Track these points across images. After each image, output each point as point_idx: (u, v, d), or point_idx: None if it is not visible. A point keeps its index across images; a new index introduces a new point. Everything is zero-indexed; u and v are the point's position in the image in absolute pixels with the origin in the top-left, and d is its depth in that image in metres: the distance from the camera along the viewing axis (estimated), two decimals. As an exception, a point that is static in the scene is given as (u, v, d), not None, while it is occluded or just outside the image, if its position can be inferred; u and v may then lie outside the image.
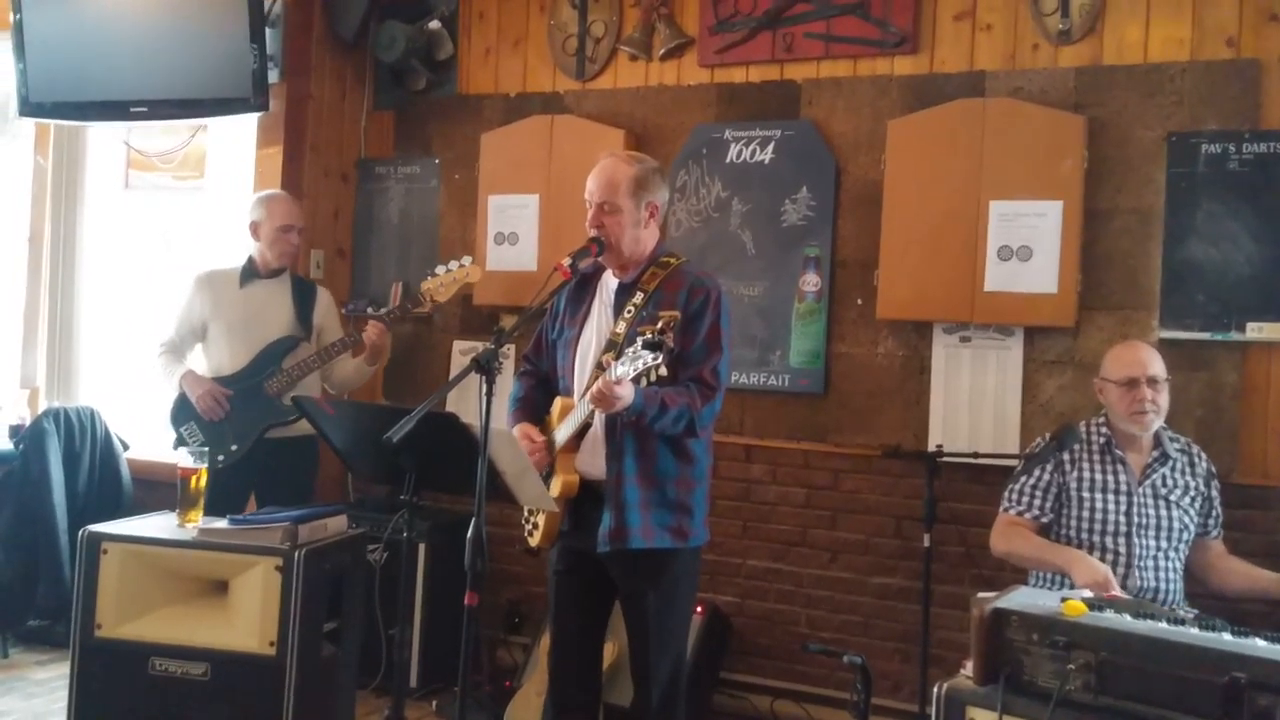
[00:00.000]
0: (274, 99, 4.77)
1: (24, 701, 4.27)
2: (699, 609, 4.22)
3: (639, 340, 2.62)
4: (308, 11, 5.02)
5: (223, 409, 4.23)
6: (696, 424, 2.91)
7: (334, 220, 5.21)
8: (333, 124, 5.17)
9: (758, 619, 4.46)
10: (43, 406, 5.33)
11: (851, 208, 4.33)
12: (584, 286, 3.15)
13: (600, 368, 2.87)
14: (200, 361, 4.43)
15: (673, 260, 3.08)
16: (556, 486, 2.98)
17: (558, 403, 3.07)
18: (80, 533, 3.31)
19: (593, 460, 2.99)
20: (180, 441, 4.28)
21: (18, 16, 4.89)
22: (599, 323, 3.07)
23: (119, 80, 4.82)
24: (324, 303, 4.50)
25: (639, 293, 3.00)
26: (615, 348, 2.89)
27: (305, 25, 5.01)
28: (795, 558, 4.41)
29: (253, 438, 4.22)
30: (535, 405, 3.20)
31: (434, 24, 5.07)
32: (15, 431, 5.10)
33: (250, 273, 4.39)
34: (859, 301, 4.30)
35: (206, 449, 3.67)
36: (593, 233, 3.00)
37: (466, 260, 4.35)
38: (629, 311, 2.97)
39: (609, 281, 3.11)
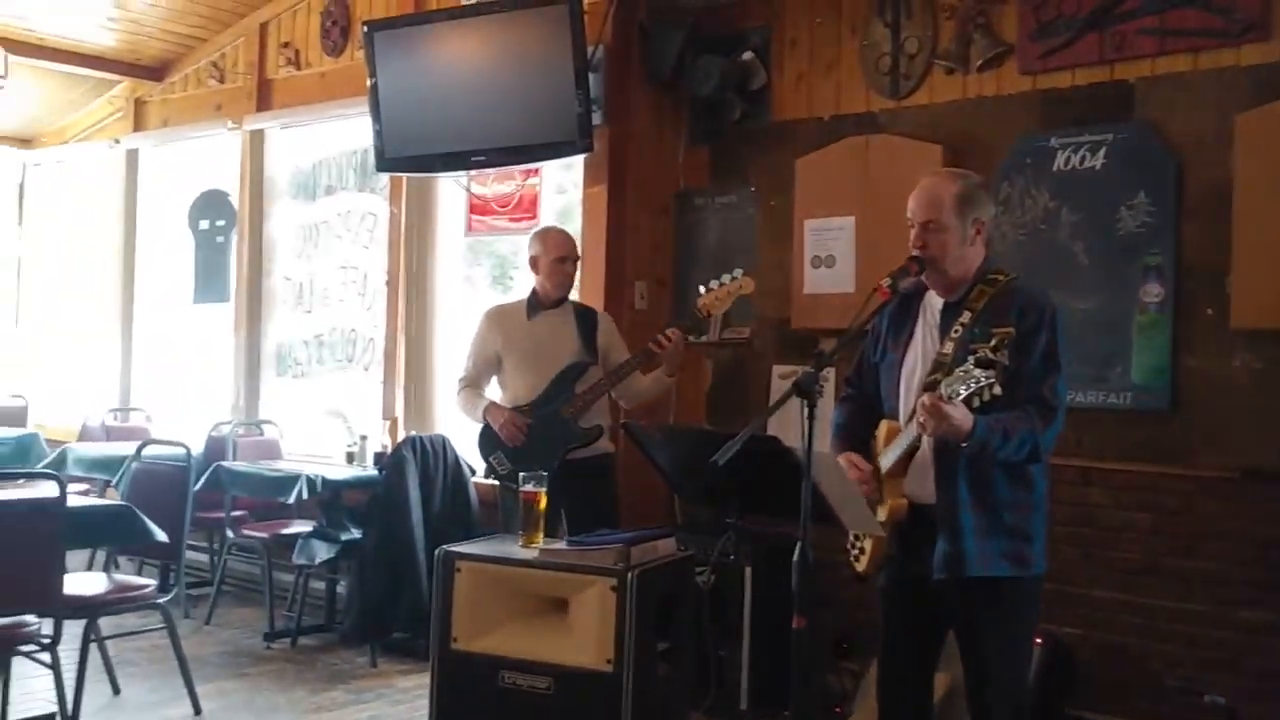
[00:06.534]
0: (598, 140, 5.01)
1: (390, 708, 4.65)
2: (1038, 640, 4.02)
3: (970, 359, 2.54)
4: (626, 54, 5.24)
5: (524, 434, 4.42)
6: (1040, 449, 2.80)
7: (654, 252, 5.38)
8: (652, 160, 5.35)
9: (1104, 652, 4.19)
10: (401, 435, 5.81)
11: (1197, 211, 4.02)
12: (906, 307, 3.08)
13: (927, 389, 2.80)
14: (498, 393, 4.66)
15: (1001, 277, 2.96)
16: (884, 511, 2.93)
17: (883, 426, 3.02)
18: (436, 552, 3.57)
19: (921, 484, 2.91)
20: (490, 470, 4.54)
21: (373, 81, 5.41)
22: (924, 344, 2.99)
23: (460, 132, 5.24)
24: (605, 326, 4.65)
25: (966, 311, 2.90)
26: (943, 368, 2.81)
27: (624, 68, 5.23)
28: (1144, 587, 4.11)
29: (556, 460, 4.35)
30: (858, 431, 3.16)
31: (747, 55, 5.15)
32: (379, 459, 5.61)
33: (535, 305, 4.59)
34: (1209, 311, 3.98)
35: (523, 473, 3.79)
36: (915, 251, 2.94)
37: (738, 272, 4.35)
38: (956, 331, 2.88)
39: (933, 301, 3.02)
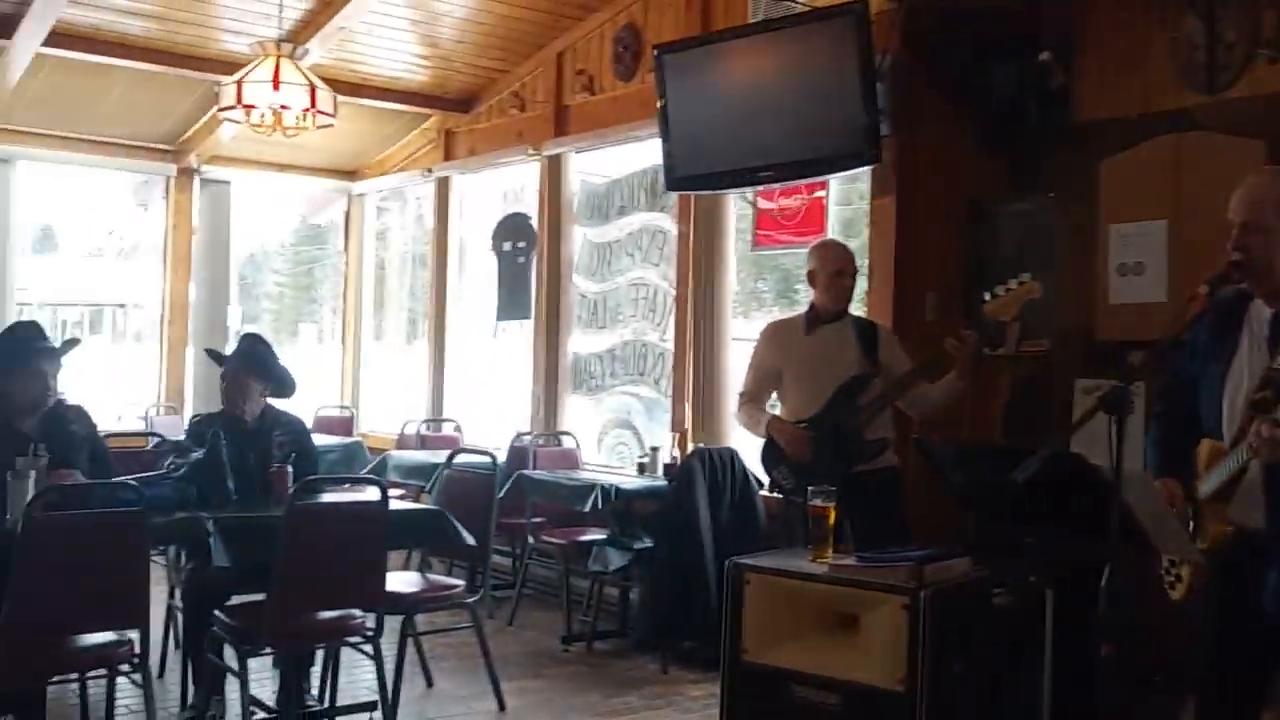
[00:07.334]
0: (885, 150, 4.94)
1: (681, 715, 4.75)
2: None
3: None
4: (914, 62, 5.13)
5: (809, 449, 4.38)
6: None
7: (945, 263, 5.23)
8: (942, 168, 5.21)
9: None
10: (690, 448, 5.93)
11: None
12: (1229, 316, 2.84)
13: (1255, 409, 2.58)
14: (778, 408, 4.64)
15: (1339, 283, 2.70)
16: (1205, 538, 2.73)
17: (1204, 446, 2.79)
18: (725, 563, 3.62)
19: (1250, 510, 2.68)
20: (774, 485, 4.56)
21: (663, 102, 5.56)
22: (1250, 357, 2.75)
23: (746, 149, 5.30)
24: (886, 339, 4.57)
25: (1301, 323, 2.67)
26: (1273, 384, 2.58)
27: (912, 75, 5.12)
28: None
29: (840, 474, 4.23)
30: (1176, 450, 2.94)
31: (1044, 55, 4.94)
32: (669, 470, 5.75)
33: (814, 319, 4.56)
34: None
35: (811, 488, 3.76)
36: (1235, 256, 2.72)
37: (1025, 276, 4.18)
38: (1289, 345, 2.65)
39: (1260, 311, 2.78)
